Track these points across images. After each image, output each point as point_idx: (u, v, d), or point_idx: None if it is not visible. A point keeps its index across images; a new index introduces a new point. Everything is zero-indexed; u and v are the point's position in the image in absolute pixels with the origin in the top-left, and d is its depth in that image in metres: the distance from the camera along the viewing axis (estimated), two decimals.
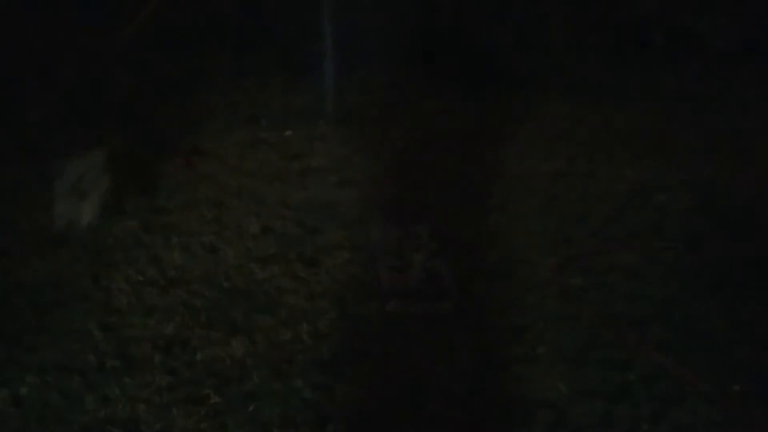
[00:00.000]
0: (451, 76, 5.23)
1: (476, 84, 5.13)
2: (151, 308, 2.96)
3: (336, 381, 2.59)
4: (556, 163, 4.14)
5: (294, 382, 2.58)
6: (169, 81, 5.22)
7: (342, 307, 2.97)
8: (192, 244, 3.38)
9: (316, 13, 4.66)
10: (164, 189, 3.88)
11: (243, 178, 4.01)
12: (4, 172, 3.96)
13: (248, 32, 5.91)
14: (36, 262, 3.24)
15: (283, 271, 3.18)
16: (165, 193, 3.84)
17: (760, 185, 3.82)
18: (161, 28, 5.83)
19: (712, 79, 5.08)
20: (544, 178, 3.96)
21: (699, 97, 4.86)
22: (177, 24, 5.89)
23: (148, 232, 3.47)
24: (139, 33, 5.74)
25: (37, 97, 4.83)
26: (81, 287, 3.08)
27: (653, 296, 3.00)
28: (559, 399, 2.52)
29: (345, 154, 4.27)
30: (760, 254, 3.22)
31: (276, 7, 6.06)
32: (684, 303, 2.95)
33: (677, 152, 4.21)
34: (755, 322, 2.84)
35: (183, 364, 2.66)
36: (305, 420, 2.43)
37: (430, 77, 5.25)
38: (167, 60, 5.52)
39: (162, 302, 2.99)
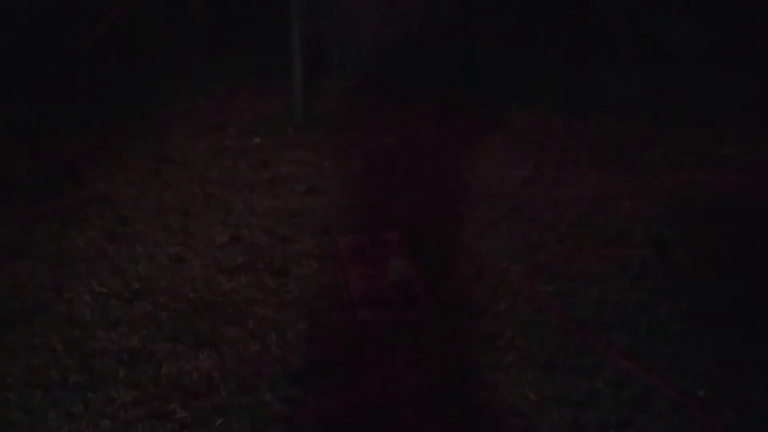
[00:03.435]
0: (420, 83, 5.24)
1: (445, 91, 5.15)
2: (115, 321, 2.91)
3: (306, 393, 2.56)
4: (524, 169, 4.17)
5: (263, 395, 2.55)
6: (135, 86, 5.16)
7: (311, 317, 2.95)
8: (158, 254, 3.33)
9: (285, 19, 4.63)
10: (129, 197, 3.82)
11: (210, 186, 3.97)
12: None
13: (217, 37, 5.86)
14: None
15: (251, 282, 3.14)
16: (130, 201, 3.78)
17: (724, 191, 3.89)
18: (129, 31, 5.76)
19: (677, 85, 5.16)
20: (512, 185, 3.99)
21: (664, 103, 4.94)
22: (145, 28, 5.82)
23: (113, 243, 3.41)
24: (106, 35, 5.67)
25: None
26: (43, 299, 3.02)
27: (621, 302, 3.04)
28: (528, 406, 2.53)
29: (314, 161, 4.25)
30: (725, 260, 3.28)
31: (245, 12, 6.03)
32: (651, 309, 2.99)
33: (643, 158, 4.27)
34: (721, 328, 2.88)
35: (148, 379, 2.62)
36: None
37: (399, 84, 5.25)
38: (134, 64, 5.46)
39: (126, 315, 2.94)
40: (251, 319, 2.93)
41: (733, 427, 2.45)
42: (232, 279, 3.16)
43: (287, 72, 4.71)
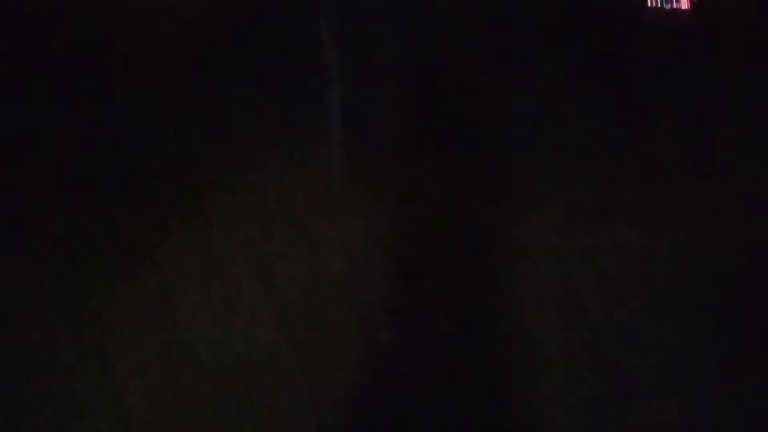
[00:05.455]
0: (455, 132, 5.22)
1: (479, 141, 5.12)
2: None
3: None
4: (556, 222, 4.13)
5: None
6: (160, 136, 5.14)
7: (347, 375, 2.93)
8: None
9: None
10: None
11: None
12: None
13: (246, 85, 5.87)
14: None
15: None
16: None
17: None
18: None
19: (712, 138, 5.08)
20: (547, 245, 3.94)
21: (696, 156, 4.86)
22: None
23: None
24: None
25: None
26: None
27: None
28: None
29: (350, 216, 4.21)
30: None
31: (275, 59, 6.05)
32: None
33: (677, 213, 4.22)
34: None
35: None
36: None
37: (433, 134, 5.23)
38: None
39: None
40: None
41: None
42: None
43: (322, 119, 4.71)
